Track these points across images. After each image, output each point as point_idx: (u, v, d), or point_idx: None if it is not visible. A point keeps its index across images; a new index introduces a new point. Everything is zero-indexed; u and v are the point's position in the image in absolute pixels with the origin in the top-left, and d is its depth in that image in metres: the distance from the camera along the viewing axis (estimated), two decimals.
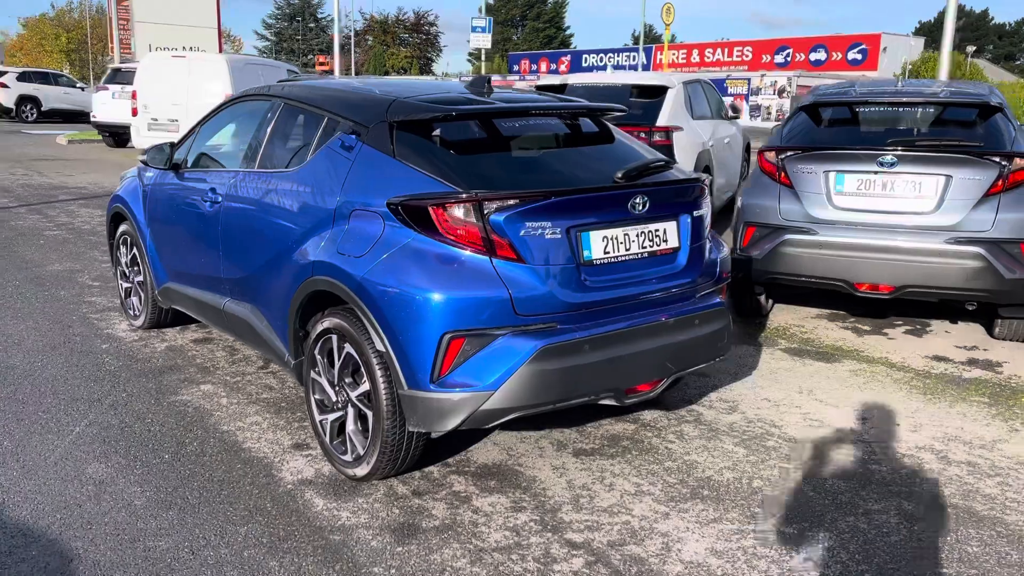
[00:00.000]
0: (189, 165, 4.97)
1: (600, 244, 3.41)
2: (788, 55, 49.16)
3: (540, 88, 8.41)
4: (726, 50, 52.85)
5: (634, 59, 53.73)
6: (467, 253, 3.20)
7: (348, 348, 3.49)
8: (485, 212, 3.17)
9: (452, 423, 3.20)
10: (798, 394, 4.75)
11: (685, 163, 7.59)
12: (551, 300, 3.25)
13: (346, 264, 3.42)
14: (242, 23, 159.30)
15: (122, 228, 5.71)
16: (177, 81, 14.62)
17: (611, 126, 4.19)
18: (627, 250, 3.50)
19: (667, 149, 7.43)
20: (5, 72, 30.82)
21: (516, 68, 64.37)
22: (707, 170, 7.76)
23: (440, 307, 3.13)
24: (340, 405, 3.64)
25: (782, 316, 6.34)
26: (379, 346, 3.31)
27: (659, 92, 7.89)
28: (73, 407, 4.37)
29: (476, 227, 3.17)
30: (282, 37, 79.13)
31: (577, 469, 3.78)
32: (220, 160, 4.79)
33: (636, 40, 63.75)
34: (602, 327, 3.38)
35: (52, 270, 7.49)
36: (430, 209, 3.20)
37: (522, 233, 3.21)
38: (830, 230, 5.40)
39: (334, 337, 3.57)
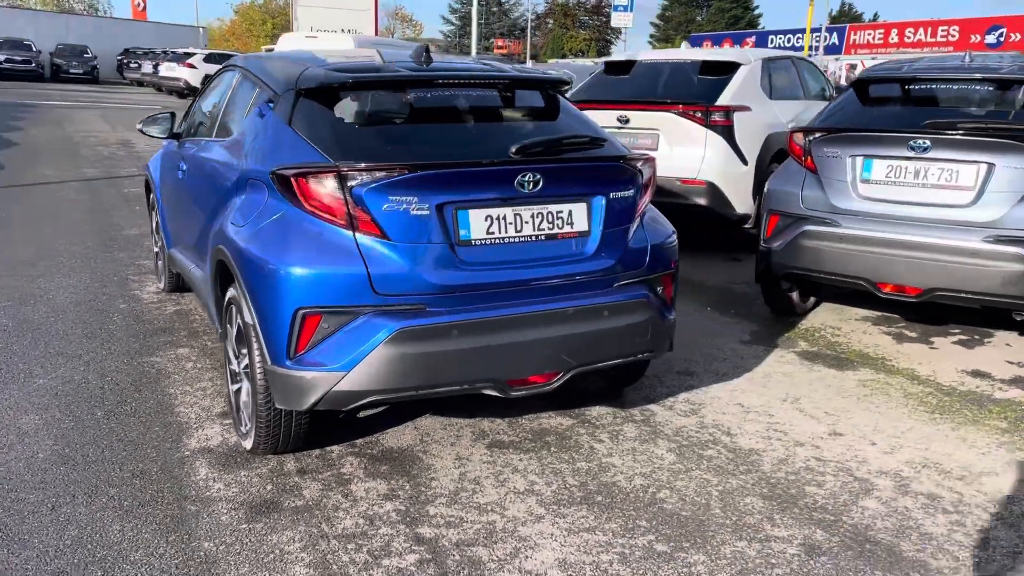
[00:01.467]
0: (187, 135, 5.12)
1: (482, 224, 3.18)
2: (1001, 35, 44.41)
3: (609, 65, 8.05)
4: (929, 30, 48.49)
5: (825, 40, 50.63)
6: (329, 226, 3.07)
7: (238, 319, 3.45)
8: (348, 185, 3.03)
9: (307, 403, 3.10)
10: (780, 402, 4.28)
11: (751, 146, 7.03)
12: (417, 280, 3.07)
13: (234, 234, 3.39)
14: (430, 7, 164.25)
15: (151, 195, 5.99)
16: None
17: (562, 101, 3.90)
18: (517, 231, 3.24)
19: (727, 130, 6.90)
20: (194, 54, 33.38)
21: None
22: (780, 155, 7.15)
23: (294, 281, 3.02)
24: (240, 376, 3.62)
25: (821, 316, 5.75)
26: (247, 318, 3.26)
27: (729, 69, 7.33)
28: (51, 361, 4.61)
29: (339, 200, 3.04)
30: (466, 21, 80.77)
31: (481, 461, 3.58)
32: (201, 130, 4.89)
33: (833, 20, 60.05)
34: (479, 312, 3.15)
35: (127, 234, 7.99)
36: (292, 180, 3.09)
37: (385, 208, 3.03)
38: (853, 222, 4.81)
39: (233, 307, 3.55)
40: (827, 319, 5.68)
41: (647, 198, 3.67)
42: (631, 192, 3.50)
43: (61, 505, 3.17)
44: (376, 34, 25.98)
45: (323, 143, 3.22)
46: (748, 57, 7.57)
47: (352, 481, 3.39)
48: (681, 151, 6.97)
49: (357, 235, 3.05)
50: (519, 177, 3.18)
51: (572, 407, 4.13)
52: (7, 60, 36.66)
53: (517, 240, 3.24)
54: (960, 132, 4.54)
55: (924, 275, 4.58)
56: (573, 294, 3.35)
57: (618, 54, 8.34)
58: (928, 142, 4.55)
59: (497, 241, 3.21)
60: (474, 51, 24.37)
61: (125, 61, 41.94)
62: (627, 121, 7.15)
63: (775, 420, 4.06)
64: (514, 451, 3.67)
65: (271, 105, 3.59)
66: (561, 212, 3.33)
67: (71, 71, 39.38)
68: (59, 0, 59.01)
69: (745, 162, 7.00)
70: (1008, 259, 4.35)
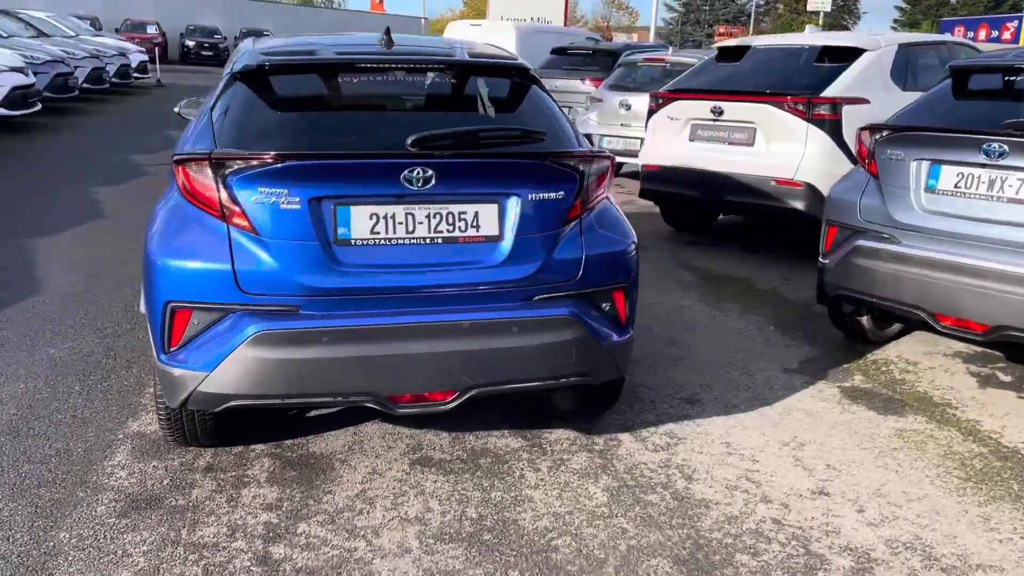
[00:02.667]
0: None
1: (365, 222, 2.89)
2: None
3: (721, 51, 7.34)
4: None
5: None
6: (207, 218, 2.91)
7: None
8: (223, 174, 2.85)
9: (177, 400, 2.96)
10: (779, 446, 3.65)
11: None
12: (286, 280, 2.84)
13: (148, 222, 3.32)
14: None
15: None
16: None
17: (532, 90, 3.50)
18: (409, 232, 2.92)
19: (833, 125, 6.06)
20: None
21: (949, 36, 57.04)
22: None
23: (163, 274, 2.89)
24: None
25: (904, 346, 4.89)
26: (142, 308, 3.18)
27: (850, 56, 6.43)
28: (76, 331, 4.81)
29: (213, 189, 2.87)
30: (690, 8, 78.69)
31: (393, 478, 3.30)
32: None
33: None
34: (356, 319, 2.87)
35: None
36: (174, 168, 2.95)
37: (254, 200, 2.83)
38: (914, 240, 4.01)
39: None
40: (908, 350, 4.83)
41: (596, 200, 3.22)
42: (559, 194, 3.07)
43: None
44: (565, 23, 25.77)
45: (222, 130, 3.06)
46: (878, 42, 6.62)
47: (248, 485, 3.24)
48: (778, 148, 6.23)
49: (230, 228, 2.87)
50: (406, 172, 2.85)
51: (534, 427, 3.74)
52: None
53: (408, 242, 2.92)
54: None
55: (991, 309, 3.74)
56: (476, 306, 2.98)
57: (744, 39, 7.59)
58: (1006, 147, 3.69)
59: (383, 242, 2.90)
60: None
61: None
62: (721, 113, 6.49)
63: (756, 468, 3.46)
64: (436, 471, 3.36)
65: (215, 92, 3.49)
66: (465, 213, 2.97)
67: None
68: None
69: (855, 163, 6.12)
70: None
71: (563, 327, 3.05)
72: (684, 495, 3.23)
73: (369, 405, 3.01)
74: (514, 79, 3.47)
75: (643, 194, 7.29)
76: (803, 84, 6.30)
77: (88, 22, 31.66)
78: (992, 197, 3.78)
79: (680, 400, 4.08)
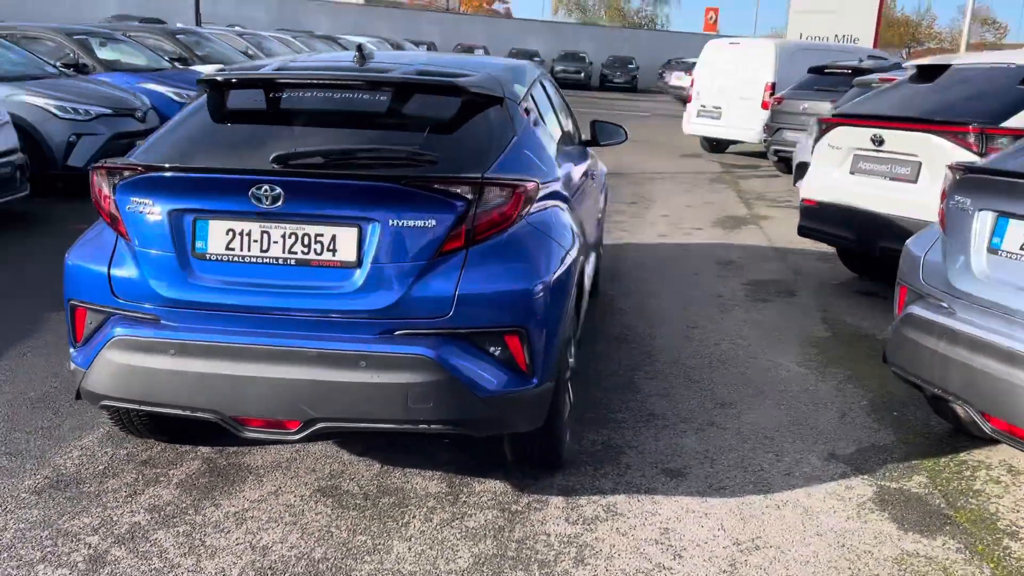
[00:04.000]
0: None
1: (222, 238, 2.84)
2: None
3: (921, 69, 6.22)
4: None
5: None
6: (104, 225, 3.06)
7: None
8: (113, 183, 2.97)
9: (74, 393, 3.14)
10: (723, 546, 3.01)
11: None
12: (147, 289, 2.89)
13: None
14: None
15: None
16: (726, 68, 14.57)
17: (490, 112, 3.25)
18: (263, 251, 2.83)
19: None
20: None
21: None
22: None
23: (68, 274, 3.09)
24: None
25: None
26: None
27: None
28: None
29: (107, 197, 3.00)
30: None
31: (284, 503, 3.22)
32: None
33: None
34: (204, 335, 2.84)
35: None
36: (90, 173, 3.13)
37: (128, 208, 2.91)
38: (967, 312, 3.08)
39: None
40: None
41: (493, 232, 2.89)
42: (430, 223, 2.78)
43: None
44: (876, 42, 23.51)
45: (159, 140, 3.21)
46: None
47: (159, 483, 3.33)
48: None
49: (117, 235, 2.99)
50: (254, 189, 2.76)
51: (473, 473, 3.45)
52: (562, 71, 41.61)
53: (262, 261, 2.83)
54: None
55: None
56: (326, 334, 2.81)
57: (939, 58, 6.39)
58: None
59: (237, 259, 2.84)
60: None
61: (660, 71, 44.78)
62: (881, 143, 5.53)
63: (670, 566, 2.87)
64: (330, 503, 3.23)
65: None
66: (322, 236, 2.81)
67: (614, 80, 43.18)
68: (623, 15, 65.22)
69: None
70: None
71: (418, 368, 2.77)
72: None
73: (220, 423, 2.96)
74: (470, 99, 3.23)
75: (801, 232, 6.42)
76: (984, 111, 5.16)
77: (424, 47, 35.16)
78: None
79: (661, 470, 3.53)
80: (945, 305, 3.22)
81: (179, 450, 3.59)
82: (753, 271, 7.06)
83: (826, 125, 6.06)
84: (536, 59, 34.48)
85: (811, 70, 12.62)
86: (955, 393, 3.14)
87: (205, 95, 3.38)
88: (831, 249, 7.06)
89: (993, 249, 3.07)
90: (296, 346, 2.80)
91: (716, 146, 15.38)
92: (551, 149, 3.66)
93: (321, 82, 3.27)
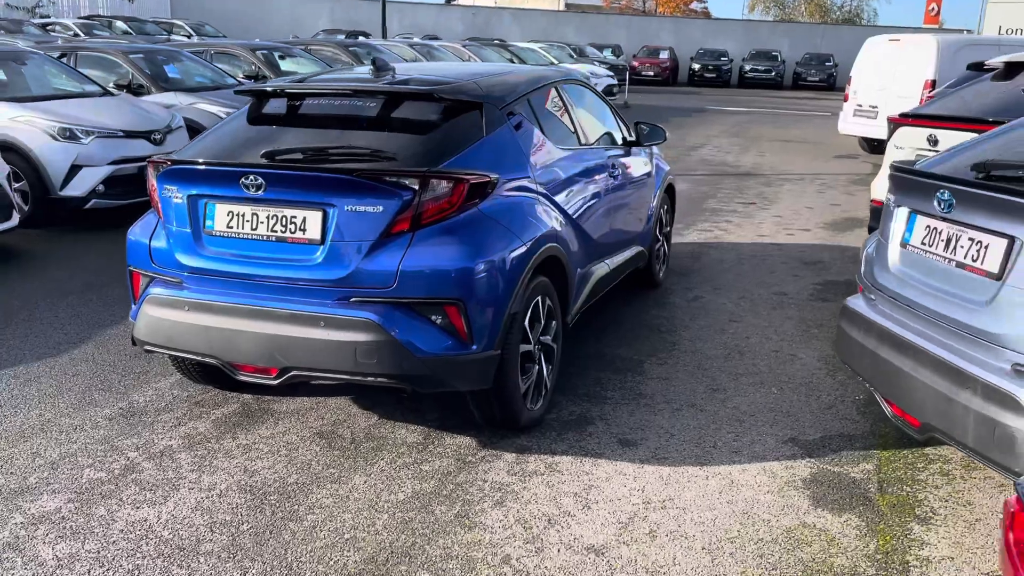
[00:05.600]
0: None
1: (224, 217, 3.55)
2: None
3: (1009, 66, 5.98)
4: None
5: None
6: (152, 207, 3.87)
7: None
8: (156, 174, 3.77)
9: (131, 340, 3.96)
10: (632, 504, 3.35)
11: None
12: (173, 258, 3.66)
13: None
14: None
15: None
16: (885, 66, 13.95)
17: (460, 118, 3.79)
18: (252, 229, 3.51)
19: None
20: None
21: None
22: None
23: (127, 244, 3.92)
24: None
25: None
26: None
27: None
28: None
29: (153, 186, 3.80)
30: None
31: (284, 442, 3.90)
32: None
33: None
34: (213, 294, 3.57)
35: None
36: (147, 167, 3.93)
37: (162, 194, 3.69)
38: (884, 304, 3.23)
39: None
40: None
41: (439, 217, 3.41)
42: (378, 208, 3.35)
43: (75, 349, 4.69)
44: None
45: (196, 141, 4.00)
46: None
47: (201, 419, 4.11)
48: None
49: (157, 216, 3.79)
50: (243, 178, 3.44)
51: (455, 429, 3.98)
52: (752, 70, 40.66)
53: (251, 237, 3.51)
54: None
55: (921, 402, 2.88)
56: (297, 298, 3.45)
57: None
58: (949, 195, 2.80)
59: (234, 235, 3.54)
60: None
61: None
62: (936, 143, 5.45)
63: (580, 515, 3.26)
64: (319, 446, 3.86)
65: None
66: (295, 217, 3.45)
67: (808, 79, 41.49)
68: (825, 11, 62.31)
69: None
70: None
71: (364, 329, 3.34)
72: (463, 515, 3.26)
73: (220, 366, 3.68)
74: (447, 104, 3.80)
75: (871, 232, 6.35)
76: None
77: (611, 49, 35.70)
78: (937, 256, 2.88)
79: (617, 440, 3.89)
80: (872, 298, 3.36)
81: (227, 395, 4.37)
82: (834, 272, 7.04)
83: (893, 125, 6.01)
84: (619, 56, 33.29)
85: (970, 67, 11.92)
86: (867, 380, 3.28)
87: (248, 104, 4.13)
88: None
89: (904, 244, 3.19)
90: (273, 307, 3.46)
91: (875, 147, 14.77)
92: (533, 149, 4.11)
93: (321, 92, 3.94)
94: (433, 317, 3.41)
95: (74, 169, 7.55)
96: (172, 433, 3.95)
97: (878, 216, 6.19)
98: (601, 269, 4.91)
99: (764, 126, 19.90)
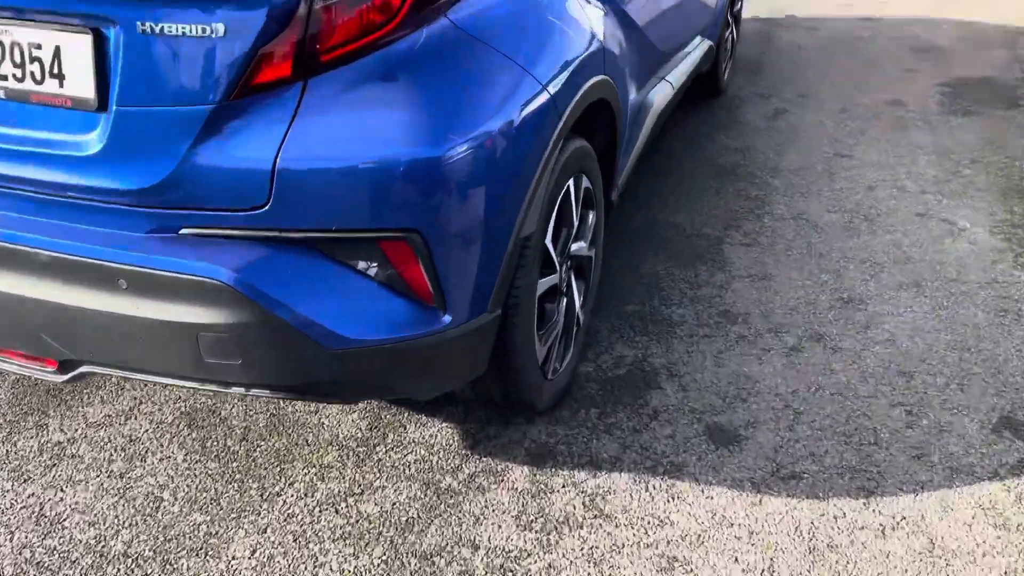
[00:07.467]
0: None
1: None
2: None
3: None
4: None
5: None
6: None
7: None
8: None
9: None
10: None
11: None
12: None
13: None
14: None
15: None
16: None
17: None
18: None
19: None
20: None
21: None
22: None
23: None
24: None
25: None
26: None
27: None
28: None
29: None
30: None
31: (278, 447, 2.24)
32: None
33: None
34: None
35: None
36: None
37: None
38: None
39: None
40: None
41: (350, 43, 1.51)
42: (220, 29, 1.43)
43: None
44: None
45: None
46: None
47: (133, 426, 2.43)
48: None
49: None
50: None
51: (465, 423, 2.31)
52: None
53: None
54: None
55: None
56: (72, 224, 1.62)
57: None
58: None
59: None
60: None
61: None
62: None
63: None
64: (323, 442, 2.21)
65: None
66: (38, 46, 1.54)
67: None
68: None
69: None
70: None
71: (209, 298, 1.54)
72: (436, 487, 1.67)
73: None
74: None
75: None
76: None
77: None
78: None
79: (699, 422, 2.22)
80: None
81: None
82: (961, 65, 5.05)
83: None
84: None
85: None
86: None
87: None
88: None
89: None
90: (24, 245, 1.63)
91: None
92: None
93: None
94: (361, 267, 1.61)
95: None
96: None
97: None
98: (662, 92, 3.02)
99: None
